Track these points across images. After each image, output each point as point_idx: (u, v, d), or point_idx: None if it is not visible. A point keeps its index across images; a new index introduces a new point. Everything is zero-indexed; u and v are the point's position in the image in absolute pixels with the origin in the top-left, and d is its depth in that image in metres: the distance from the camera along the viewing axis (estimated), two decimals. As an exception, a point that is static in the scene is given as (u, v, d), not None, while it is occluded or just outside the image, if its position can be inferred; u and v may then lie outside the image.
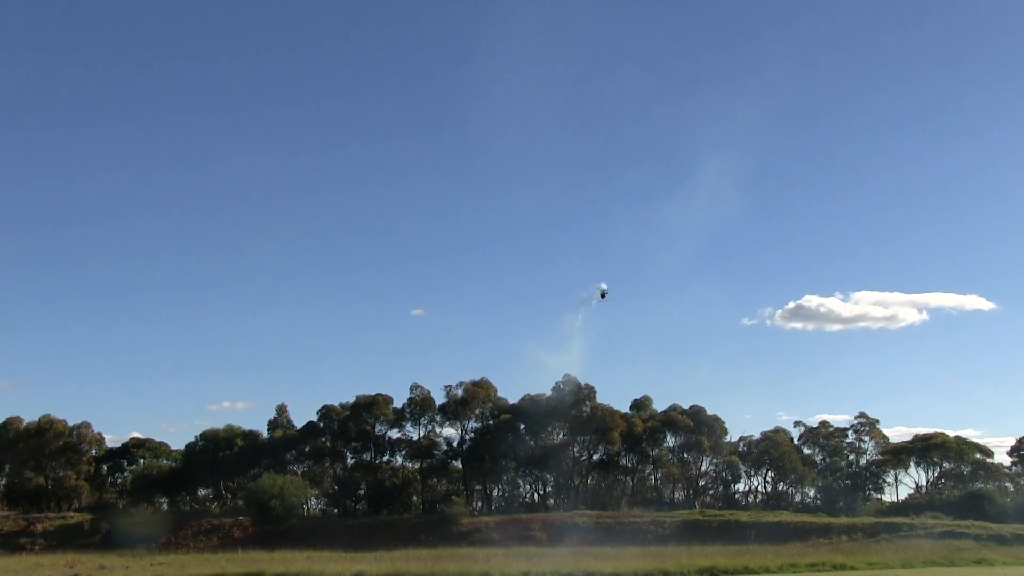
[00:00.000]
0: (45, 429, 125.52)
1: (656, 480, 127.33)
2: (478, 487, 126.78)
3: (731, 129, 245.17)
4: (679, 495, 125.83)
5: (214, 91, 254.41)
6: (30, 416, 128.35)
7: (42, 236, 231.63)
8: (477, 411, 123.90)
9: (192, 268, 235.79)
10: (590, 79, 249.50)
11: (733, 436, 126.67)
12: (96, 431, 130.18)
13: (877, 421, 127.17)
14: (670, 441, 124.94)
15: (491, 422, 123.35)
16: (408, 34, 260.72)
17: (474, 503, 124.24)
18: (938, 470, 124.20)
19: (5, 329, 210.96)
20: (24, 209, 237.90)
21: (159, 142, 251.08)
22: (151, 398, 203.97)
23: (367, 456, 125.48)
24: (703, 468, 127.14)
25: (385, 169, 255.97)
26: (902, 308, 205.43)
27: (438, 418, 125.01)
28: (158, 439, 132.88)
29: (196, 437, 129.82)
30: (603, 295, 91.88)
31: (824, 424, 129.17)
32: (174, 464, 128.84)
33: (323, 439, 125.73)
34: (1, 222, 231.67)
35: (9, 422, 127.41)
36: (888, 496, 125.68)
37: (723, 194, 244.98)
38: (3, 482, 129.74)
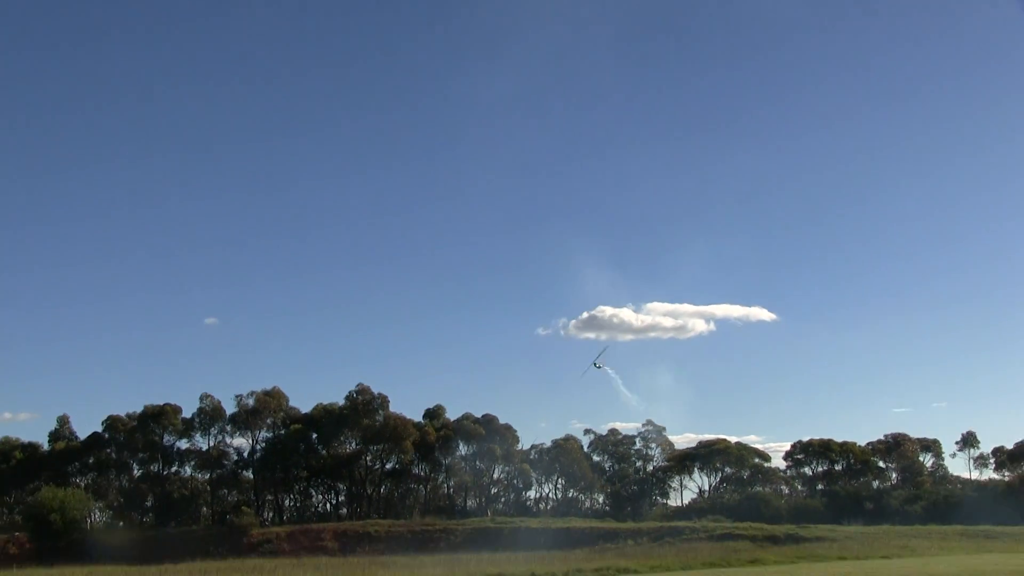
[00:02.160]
0: None
1: (449, 488, 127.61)
2: (269, 497, 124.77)
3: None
4: (472, 503, 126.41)
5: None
6: None
7: None
8: (269, 420, 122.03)
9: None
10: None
11: (525, 444, 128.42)
12: None
13: (664, 428, 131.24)
14: (463, 450, 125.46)
15: (283, 432, 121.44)
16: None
17: (265, 513, 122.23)
18: (720, 475, 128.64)
19: None
20: None
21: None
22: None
23: (155, 467, 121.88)
24: (495, 476, 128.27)
25: (184, 177, 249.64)
26: (691, 319, 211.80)
27: (228, 428, 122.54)
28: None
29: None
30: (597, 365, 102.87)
31: (614, 432, 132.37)
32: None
33: (108, 450, 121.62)
34: None
35: None
36: (673, 501, 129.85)
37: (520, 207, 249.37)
38: None
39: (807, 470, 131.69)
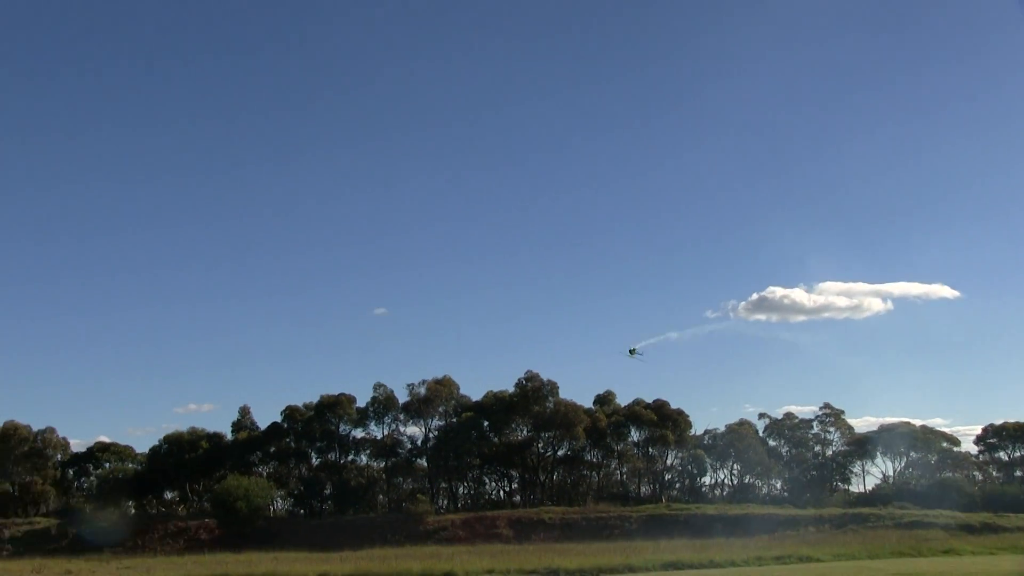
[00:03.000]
0: (9, 435, 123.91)
1: (622, 475, 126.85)
2: (443, 485, 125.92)
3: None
4: (645, 489, 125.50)
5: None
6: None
7: (3, 241, 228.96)
8: (440, 409, 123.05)
9: (156, 272, 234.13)
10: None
11: (698, 430, 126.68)
12: (61, 436, 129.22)
13: (842, 412, 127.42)
14: (634, 436, 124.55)
15: (455, 420, 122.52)
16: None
17: (439, 501, 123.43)
18: (905, 460, 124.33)
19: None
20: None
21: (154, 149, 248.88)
22: (116, 402, 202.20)
23: (332, 456, 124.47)
24: (668, 462, 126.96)
25: (349, 172, 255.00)
26: (866, 298, 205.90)
27: (402, 416, 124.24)
28: (123, 443, 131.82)
29: (160, 440, 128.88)
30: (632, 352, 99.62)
31: (789, 416, 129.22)
32: (139, 468, 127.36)
33: (287, 440, 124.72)
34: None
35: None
36: (855, 487, 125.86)
37: (687, 186, 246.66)
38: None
39: (1002, 455, 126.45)
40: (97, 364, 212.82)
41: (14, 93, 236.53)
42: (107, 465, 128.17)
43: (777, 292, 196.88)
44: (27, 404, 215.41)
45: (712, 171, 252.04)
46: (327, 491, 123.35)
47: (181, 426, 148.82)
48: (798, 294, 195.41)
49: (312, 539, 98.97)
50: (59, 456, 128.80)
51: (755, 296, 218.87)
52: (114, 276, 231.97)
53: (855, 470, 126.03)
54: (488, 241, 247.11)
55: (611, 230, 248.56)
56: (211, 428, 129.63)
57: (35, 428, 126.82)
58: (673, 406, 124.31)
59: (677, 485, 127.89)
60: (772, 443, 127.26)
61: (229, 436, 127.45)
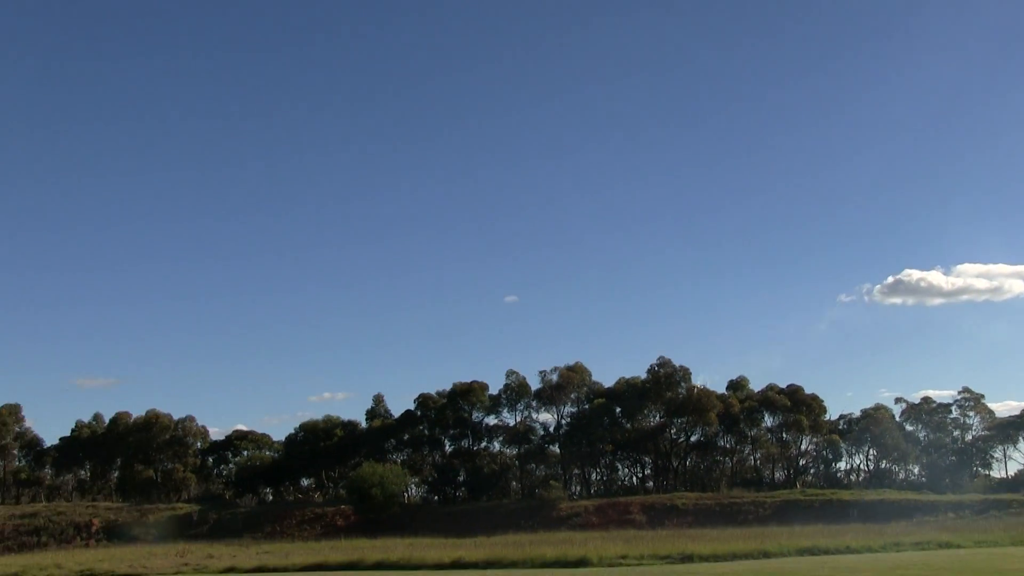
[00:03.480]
0: (151, 423, 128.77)
1: (755, 461, 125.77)
2: (576, 471, 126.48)
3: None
4: (779, 475, 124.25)
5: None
6: (137, 411, 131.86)
7: (142, 235, 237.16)
8: (572, 396, 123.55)
9: (293, 261, 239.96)
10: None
11: (832, 415, 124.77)
12: (200, 424, 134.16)
13: (982, 396, 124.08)
14: (768, 421, 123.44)
15: (587, 406, 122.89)
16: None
17: (572, 487, 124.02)
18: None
19: (110, 327, 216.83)
20: (126, 209, 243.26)
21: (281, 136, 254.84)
22: (253, 391, 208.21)
23: (465, 443, 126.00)
24: (803, 447, 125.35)
25: (480, 157, 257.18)
26: (1008, 279, 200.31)
27: (534, 403, 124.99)
28: (260, 431, 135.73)
29: (296, 429, 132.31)
30: None
31: (927, 400, 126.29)
32: (276, 455, 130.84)
33: (421, 427, 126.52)
34: (105, 223, 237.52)
35: (118, 417, 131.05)
36: (997, 472, 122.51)
37: (818, 167, 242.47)
38: (116, 475, 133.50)
39: None
40: (234, 354, 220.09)
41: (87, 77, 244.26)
42: (245, 453, 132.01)
43: (913, 275, 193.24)
44: (167, 395, 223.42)
45: (846, 151, 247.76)
46: (460, 478, 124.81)
47: (316, 414, 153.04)
48: (935, 276, 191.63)
49: (446, 525, 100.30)
50: (199, 444, 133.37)
51: (891, 279, 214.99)
52: (251, 266, 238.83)
53: (996, 455, 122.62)
54: (620, 226, 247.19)
55: (743, 212, 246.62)
56: (345, 416, 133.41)
57: (176, 417, 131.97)
58: (807, 391, 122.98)
59: (811, 471, 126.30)
60: (909, 428, 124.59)
61: (363, 424, 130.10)
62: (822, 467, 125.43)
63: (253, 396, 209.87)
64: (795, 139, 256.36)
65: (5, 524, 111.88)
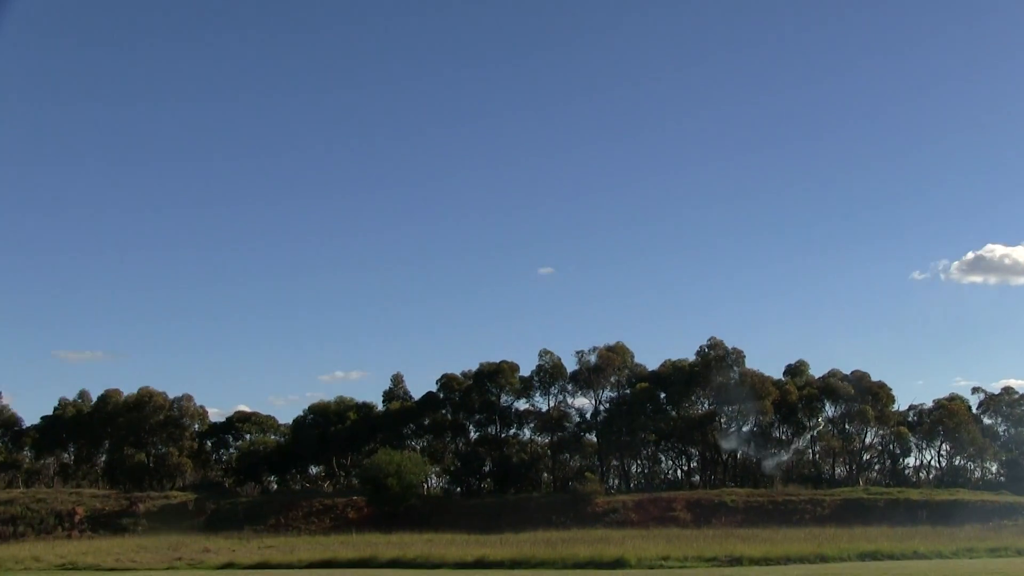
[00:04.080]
0: (144, 402, 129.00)
1: (814, 454, 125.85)
2: (614, 463, 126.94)
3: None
4: (840, 471, 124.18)
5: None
6: (128, 389, 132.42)
7: (139, 202, 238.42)
8: (612, 379, 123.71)
9: (301, 231, 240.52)
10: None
11: (901, 405, 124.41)
12: (198, 404, 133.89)
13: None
14: (829, 411, 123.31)
15: (628, 391, 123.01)
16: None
17: (610, 480, 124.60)
18: None
19: (101, 298, 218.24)
20: (129, 188, 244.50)
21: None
22: (257, 369, 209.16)
23: (492, 429, 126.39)
24: (867, 441, 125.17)
25: (511, 118, 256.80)
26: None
27: (569, 387, 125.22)
28: (265, 412, 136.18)
29: (305, 411, 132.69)
30: None
31: (1008, 391, 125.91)
32: (282, 440, 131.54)
33: (443, 411, 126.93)
34: (104, 198, 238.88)
35: (107, 395, 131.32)
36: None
37: (890, 129, 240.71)
38: (103, 459, 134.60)
39: None
40: (237, 327, 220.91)
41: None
42: (248, 437, 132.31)
43: (997, 250, 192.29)
44: (163, 371, 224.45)
45: (921, 110, 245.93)
46: (486, 468, 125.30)
47: (327, 395, 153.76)
48: (1021, 253, 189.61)
49: (469, 520, 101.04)
50: (196, 426, 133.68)
51: (971, 255, 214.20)
52: (259, 236, 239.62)
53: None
54: (664, 192, 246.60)
55: (803, 179, 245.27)
56: (360, 397, 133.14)
57: (171, 396, 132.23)
58: (874, 378, 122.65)
59: (876, 467, 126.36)
60: (987, 421, 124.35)
61: (380, 406, 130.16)
62: (888, 463, 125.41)
63: (257, 374, 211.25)
64: (863, 102, 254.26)
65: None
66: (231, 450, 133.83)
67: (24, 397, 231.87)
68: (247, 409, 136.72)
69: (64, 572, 70.09)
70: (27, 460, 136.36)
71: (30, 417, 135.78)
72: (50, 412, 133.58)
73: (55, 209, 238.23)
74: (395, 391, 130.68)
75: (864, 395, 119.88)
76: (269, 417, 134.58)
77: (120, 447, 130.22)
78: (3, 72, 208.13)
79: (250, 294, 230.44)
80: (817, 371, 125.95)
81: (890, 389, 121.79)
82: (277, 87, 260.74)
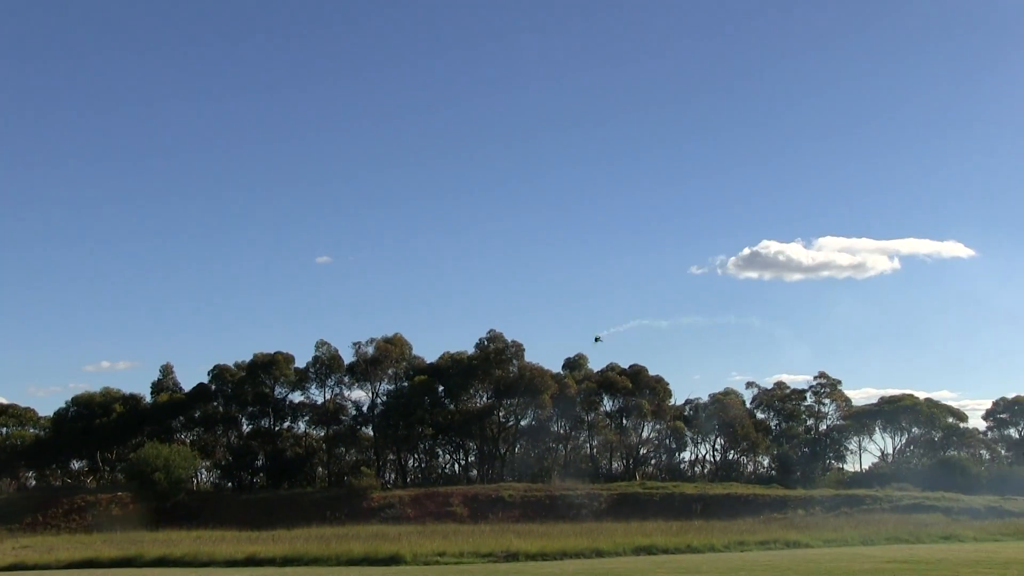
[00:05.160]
0: None
1: (592, 449, 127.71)
2: (391, 457, 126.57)
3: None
4: (617, 465, 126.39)
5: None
6: None
7: None
8: (390, 371, 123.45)
9: (69, 210, 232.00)
10: None
11: (678, 399, 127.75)
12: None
13: (839, 382, 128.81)
14: (607, 405, 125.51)
15: (406, 384, 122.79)
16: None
17: (387, 475, 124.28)
18: (906, 436, 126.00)
19: None
20: None
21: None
22: (15, 357, 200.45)
23: (265, 422, 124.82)
24: (644, 435, 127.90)
25: (290, 112, 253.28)
26: (871, 255, 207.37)
27: (346, 379, 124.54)
28: (23, 404, 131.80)
29: (67, 402, 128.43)
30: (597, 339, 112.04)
31: (780, 385, 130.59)
32: (42, 433, 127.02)
33: (215, 403, 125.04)
34: None
35: None
36: (851, 465, 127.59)
37: (674, 123, 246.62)
38: None
39: (1013, 432, 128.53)
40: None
41: None
42: (4, 430, 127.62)
43: (771, 247, 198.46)
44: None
45: (701, 104, 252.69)
46: (259, 462, 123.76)
47: (92, 386, 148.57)
48: (795, 250, 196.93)
49: (241, 516, 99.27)
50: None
51: (746, 251, 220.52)
52: (22, 213, 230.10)
53: (851, 447, 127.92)
54: (447, 182, 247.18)
55: (587, 171, 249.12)
56: (128, 389, 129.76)
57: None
58: (651, 372, 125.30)
59: (653, 461, 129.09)
60: (760, 416, 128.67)
61: (148, 398, 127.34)
62: (664, 457, 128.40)
63: (15, 363, 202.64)
64: (651, 93, 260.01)
65: None
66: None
67: None
68: (3, 400, 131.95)
69: None
70: None
71: None
72: None
73: None
74: (164, 382, 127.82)
75: (641, 389, 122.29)
76: (28, 409, 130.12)
77: None
78: None
79: (7, 274, 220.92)
80: (596, 365, 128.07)
81: (667, 383, 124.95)
82: None
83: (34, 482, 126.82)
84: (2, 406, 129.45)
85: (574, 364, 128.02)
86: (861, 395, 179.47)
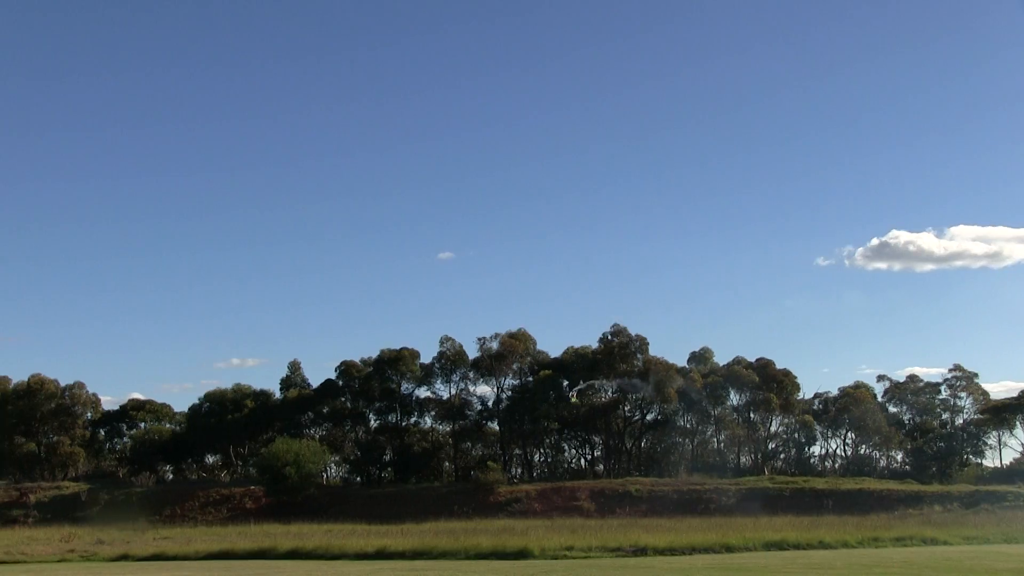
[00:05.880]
0: (35, 390, 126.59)
1: (719, 443, 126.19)
2: (517, 451, 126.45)
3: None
4: (745, 460, 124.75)
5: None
6: (18, 376, 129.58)
7: (39, 195, 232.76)
8: (515, 366, 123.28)
9: (199, 215, 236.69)
10: None
11: (807, 393, 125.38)
12: (91, 392, 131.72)
13: (976, 375, 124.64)
14: (734, 399, 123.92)
15: (530, 378, 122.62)
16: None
17: (512, 469, 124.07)
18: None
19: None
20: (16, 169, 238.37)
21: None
22: (151, 355, 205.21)
23: (392, 418, 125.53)
24: (772, 429, 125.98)
25: (412, 111, 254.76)
26: (1007, 244, 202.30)
27: (471, 374, 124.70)
28: (160, 400, 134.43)
29: (200, 399, 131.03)
30: None
31: (913, 378, 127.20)
32: (177, 428, 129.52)
33: (343, 399, 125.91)
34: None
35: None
36: (990, 461, 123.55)
37: (797, 119, 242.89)
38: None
39: None
40: (129, 311, 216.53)
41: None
42: (142, 425, 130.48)
43: (901, 237, 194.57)
44: (54, 357, 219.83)
45: (824, 96, 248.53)
46: (387, 457, 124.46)
47: (223, 382, 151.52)
48: (926, 239, 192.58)
49: (369, 510, 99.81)
50: (89, 414, 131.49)
51: (875, 241, 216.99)
52: (155, 223, 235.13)
53: (990, 442, 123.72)
54: (567, 176, 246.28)
55: (710, 164, 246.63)
56: (257, 385, 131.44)
57: (63, 383, 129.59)
58: (779, 366, 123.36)
59: (782, 455, 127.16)
60: (893, 409, 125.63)
61: (278, 394, 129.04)
62: (793, 452, 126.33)
63: (151, 361, 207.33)
64: (771, 96, 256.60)
65: None
66: (124, 439, 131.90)
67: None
68: (141, 397, 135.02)
69: (-49, 565, 67.86)
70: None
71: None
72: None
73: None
74: (293, 378, 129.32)
75: (769, 383, 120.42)
76: (164, 405, 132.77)
77: (9, 436, 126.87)
78: None
79: (143, 277, 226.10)
80: (722, 359, 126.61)
81: (795, 377, 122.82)
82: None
83: (171, 476, 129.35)
84: (139, 402, 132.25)
85: (699, 358, 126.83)
86: (1000, 388, 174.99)
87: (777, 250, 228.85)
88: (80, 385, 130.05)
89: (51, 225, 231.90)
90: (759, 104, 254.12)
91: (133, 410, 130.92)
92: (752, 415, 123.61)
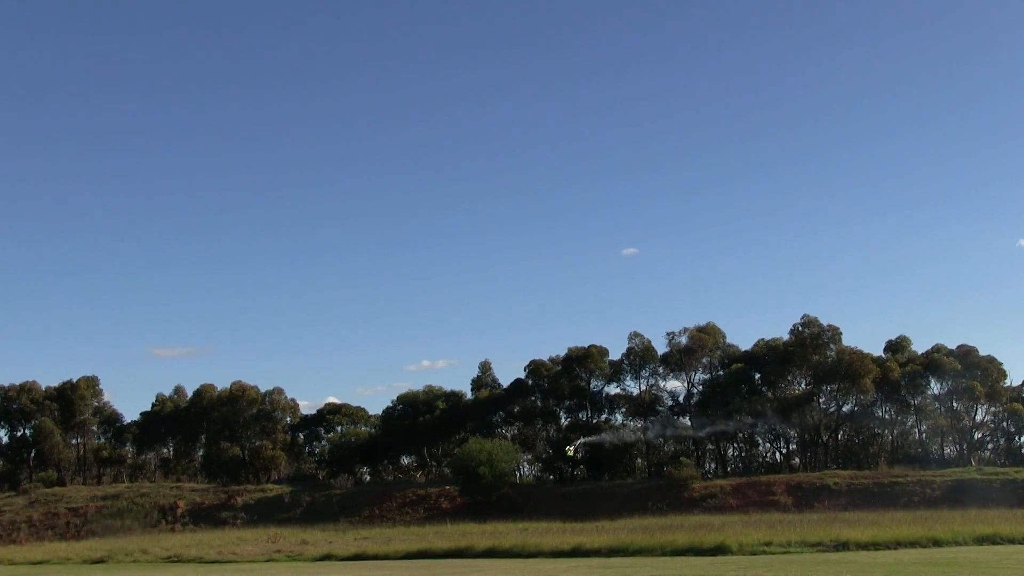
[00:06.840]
0: (237, 397, 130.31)
1: (920, 433, 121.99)
2: (710, 446, 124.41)
3: None
4: (949, 450, 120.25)
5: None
6: (221, 384, 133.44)
7: (231, 205, 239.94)
8: (704, 360, 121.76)
9: (387, 224, 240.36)
10: None
11: (1014, 380, 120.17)
12: (289, 397, 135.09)
13: None
14: (935, 388, 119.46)
15: (721, 372, 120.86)
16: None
17: (706, 464, 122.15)
18: None
19: (185, 293, 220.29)
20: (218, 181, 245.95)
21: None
22: (344, 361, 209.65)
23: (583, 415, 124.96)
24: (978, 418, 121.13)
25: (592, 106, 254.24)
26: None
27: (660, 370, 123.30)
28: (354, 404, 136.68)
29: (393, 401, 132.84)
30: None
31: None
32: (373, 431, 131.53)
33: (533, 398, 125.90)
34: (183, 185, 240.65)
35: (202, 390, 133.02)
36: None
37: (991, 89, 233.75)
38: (201, 453, 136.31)
39: None
40: (323, 319, 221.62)
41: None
42: (339, 428, 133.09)
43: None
44: (251, 364, 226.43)
45: (1014, 61, 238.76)
46: (580, 455, 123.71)
47: (414, 385, 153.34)
48: None
49: (563, 508, 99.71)
50: (288, 419, 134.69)
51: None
52: (341, 225, 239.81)
53: None
54: (751, 168, 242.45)
55: (897, 140, 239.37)
56: (448, 386, 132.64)
57: (263, 389, 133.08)
58: (982, 352, 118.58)
59: (990, 445, 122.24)
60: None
61: (468, 395, 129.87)
62: (1002, 441, 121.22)
63: (345, 366, 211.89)
64: (967, 68, 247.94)
65: (88, 506, 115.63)
66: (323, 442, 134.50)
67: (123, 394, 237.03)
68: (337, 401, 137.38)
69: (170, 564, 70.81)
70: (130, 455, 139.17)
71: (130, 413, 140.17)
72: (149, 408, 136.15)
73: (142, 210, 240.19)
74: (483, 379, 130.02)
75: (972, 370, 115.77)
76: (359, 408, 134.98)
77: (216, 441, 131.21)
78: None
79: (335, 286, 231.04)
80: (920, 347, 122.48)
81: (1000, 364, 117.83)
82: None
83: (368, 477, 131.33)
84: (336, 406, 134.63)
85: (896, 346, 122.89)
86: None
87: (975, 231, 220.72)
88: (279, 391, 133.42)
89: (250, 239, 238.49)
90: (944, 77, 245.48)
91: (330, 414, 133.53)
92: (955, 404, 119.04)
